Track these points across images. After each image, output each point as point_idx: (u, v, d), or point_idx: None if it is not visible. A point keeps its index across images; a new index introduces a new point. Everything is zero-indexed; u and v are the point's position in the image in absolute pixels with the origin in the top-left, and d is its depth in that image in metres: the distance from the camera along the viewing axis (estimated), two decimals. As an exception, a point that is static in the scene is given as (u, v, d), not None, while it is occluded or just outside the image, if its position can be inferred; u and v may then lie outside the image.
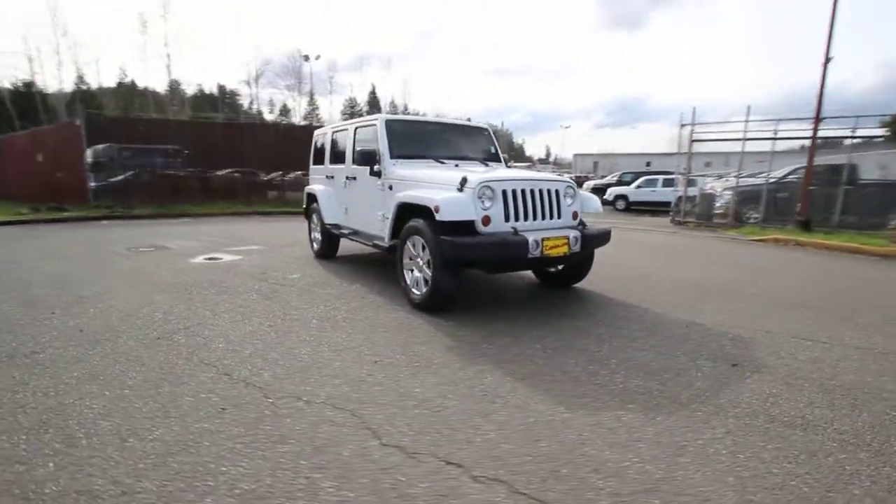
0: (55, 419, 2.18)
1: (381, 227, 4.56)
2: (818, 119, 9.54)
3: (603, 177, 27.55)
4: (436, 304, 3.66)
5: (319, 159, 6.19)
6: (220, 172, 14.96)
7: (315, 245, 6.26)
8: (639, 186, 18.51)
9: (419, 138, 4.74)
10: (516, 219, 3.64)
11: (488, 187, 3.55)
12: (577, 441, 2.01)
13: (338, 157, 5.60)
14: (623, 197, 18.86)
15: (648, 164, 32.35)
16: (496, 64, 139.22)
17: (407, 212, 3.93)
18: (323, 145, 6.02)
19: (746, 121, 10.96)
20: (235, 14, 75.85)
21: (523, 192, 3.69)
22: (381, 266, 5.56)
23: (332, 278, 4.96)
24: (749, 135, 11.02)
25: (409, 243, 3.86)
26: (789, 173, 11.52)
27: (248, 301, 4.10)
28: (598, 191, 18.86)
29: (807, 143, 10.10)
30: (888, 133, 12.39)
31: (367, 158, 4.53)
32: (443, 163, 4.53)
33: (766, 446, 2.00)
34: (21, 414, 2.23)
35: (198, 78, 76.50)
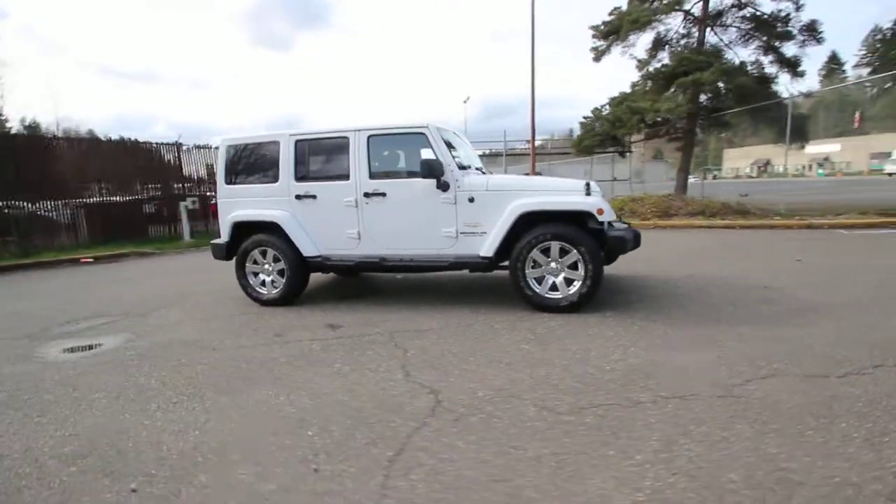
0: None
1: (443, 245, 4.22)
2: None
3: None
4: (590, 299, 3.90)
5: (259, 176, 4.71)
6: None
7: (263, 289, 4.74)
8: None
9: (453, 146, 4.54)
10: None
11: (598, 190, 4.09)
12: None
13: (327, 171, 4.52)
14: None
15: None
16: (113, 64, 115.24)
17: (521, 221, 3.93)
18: (271, 158, 4.63)
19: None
20: None
21: None
22: (407, 287, 4.86)
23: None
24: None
25: (536, 251, 3.90)
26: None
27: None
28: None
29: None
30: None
31: (432, 170, 4.06)
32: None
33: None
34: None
35: None
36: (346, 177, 4.42)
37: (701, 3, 12.58)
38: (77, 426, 2.41)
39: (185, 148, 13.09)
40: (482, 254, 4.12)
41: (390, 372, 2.92)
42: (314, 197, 4.51)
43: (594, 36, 12.89)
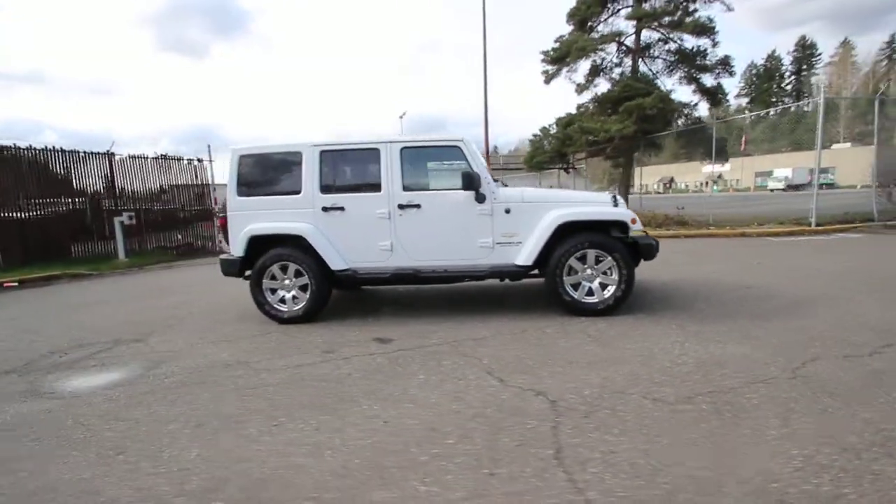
0: None
1: (479, 255, 4.33)
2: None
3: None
4: (624, 302, 4.18)
5: (278, 188, 4.52)
6: None
7: (283, 306, 4.50)
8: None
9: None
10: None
11: (622, 202, 4.45)
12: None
13: (355, 183, 4.46)
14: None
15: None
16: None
17: (558, 231, 4.16)
18: (292, 169, 4.46)
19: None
20: None
21: None
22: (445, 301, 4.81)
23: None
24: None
25: (573, 258, 4.13)
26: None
27: None
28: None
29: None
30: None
31: (472, 183, 4.17)
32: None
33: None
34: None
35: None
36: (377, 188, 4.38)
37: (634, 35, 14.01)
38: (179, 459, 2.19)
39: (118, 158, 11.88)
40: (519, 262, 4.28)
41: (482, 379, 2.96)
42: (342, 209, 4.40)
43: (544, 60, 13.81)
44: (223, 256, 4.70)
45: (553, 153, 14.09)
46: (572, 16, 13.07)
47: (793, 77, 66.64)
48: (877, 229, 9.94)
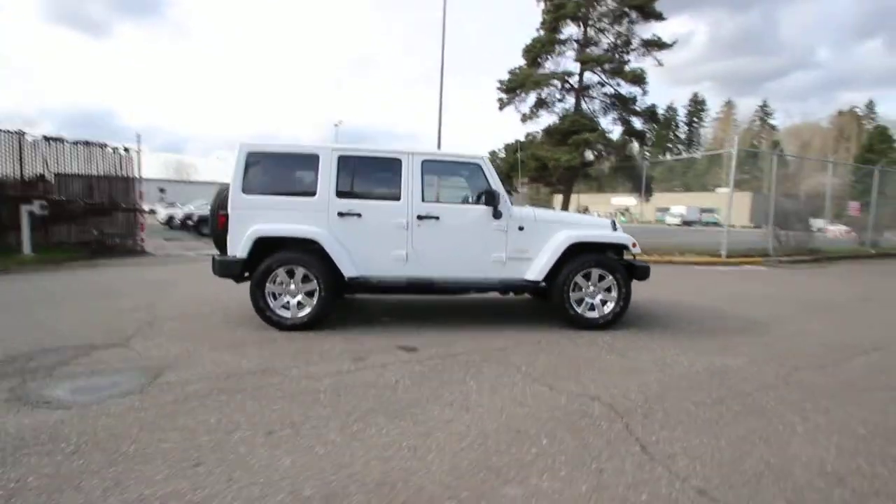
0: None
1: (491, 269, 4.52)
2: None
3: (171, 204, 25.31)
4: (621, 318, 4.57)
5: (290, 189, 4.35)
6: None
7: (286, 312, 4.28)
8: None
9: None
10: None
11: (620, 227, 4.90)
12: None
13: (374, 190, 4.44)
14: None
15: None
16: None
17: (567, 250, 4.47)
18: (307, 171, 4.33)
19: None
20: None
21: None
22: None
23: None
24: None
25: (580, 277, 4.46)
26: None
27: None
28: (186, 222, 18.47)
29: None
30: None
31: (492, 199, 4.35)
32: None
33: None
34: None
35: None
36: (396, 198, 4.39)
37: (577, 76, 15.32)
38: (275, 468, 2.07)
39: (30, 139, 10.37)
40: (529, 277, 4.52)
41: (531, 385, 3.11)
42: (359, 215, 4.35)
43: (499, 89, 14.59)
44: (220, 258, 4.38)
45: (501, 176, 14.81)
46: (528, 51, 14.09)
47: (687, 127, 76.20)
48: (773, 263, 11.72)
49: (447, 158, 4.56)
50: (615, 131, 15.88)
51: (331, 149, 4.40)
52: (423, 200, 4.43)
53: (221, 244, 4.61)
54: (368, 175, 4.55)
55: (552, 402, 2.84)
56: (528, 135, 15.08)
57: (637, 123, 16.05)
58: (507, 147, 15.22)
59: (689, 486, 2.00)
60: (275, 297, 4.32)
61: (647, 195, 15.21)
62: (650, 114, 15.59)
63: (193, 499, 1.85)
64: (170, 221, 21.16)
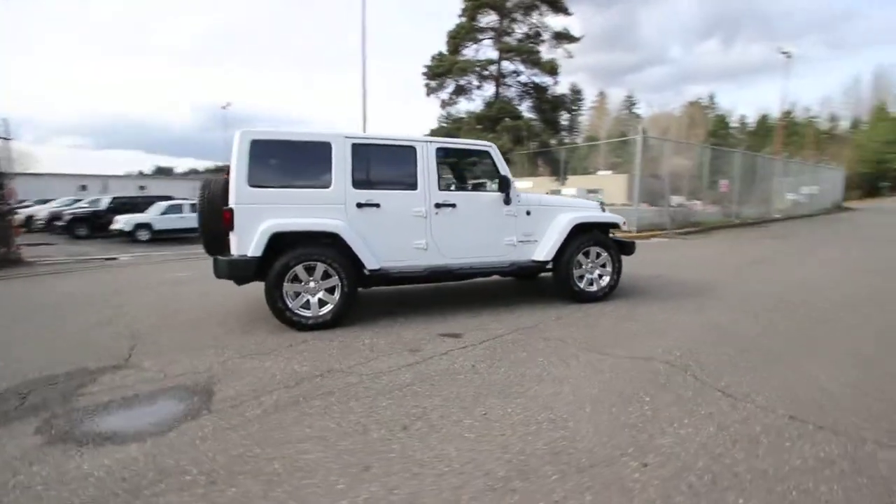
0: None
1: (504, 252, 4.73)
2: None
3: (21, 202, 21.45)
4: (614, 290, 5.05)
5: (302, 180, 4.08)
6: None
7: (307, 311, 4.05)
8: (164, 213, 16.88)
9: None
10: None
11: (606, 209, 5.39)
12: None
13: (390, 180, 4.31)
14: (146, 226, 16.59)
15: (84, 188, 26.96)
16: None
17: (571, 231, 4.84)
18: (319, 161, 4.08)
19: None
20: None
21: None
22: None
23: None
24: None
25: (581, 255, 4.85)
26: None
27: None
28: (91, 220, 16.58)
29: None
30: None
31: (504, 185, 4.52)
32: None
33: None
34: None
35: None
36: (413, 186, 4.36)
37: (496, 65, 15.95)
38: (445, 461, 2.09)
39: None
40: (537, 258, 4.81)
41: (591, 354, 3.41)
42: (378, 206, 4.24)
43: (425, 75, 14.62)
44: (228, 258, 3.97)
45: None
46: (453, 37, 14.30)
47: (568, 115, 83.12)
48: (672, 235, 13.58)
49: (459, 146, 4.64)
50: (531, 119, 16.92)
51: (343, 136, 4.20)
52: (439, 189, 4.46)
53: (217, 244, 4.19)
54: (383, 164, 4.43)
55: (623, 367, 3.16)
56: (454, 120, 15.40)
57: (548, 111, 17.26)
58: (433, 133, 15.39)
59: (779, 414, 2.45)
60: (294, 297, 4.07)
61: (564, 178, 16.55)
62: (561, 102, 16.86)
63: (393, 500, 1.82)
64: (28, 223, 17.82)
